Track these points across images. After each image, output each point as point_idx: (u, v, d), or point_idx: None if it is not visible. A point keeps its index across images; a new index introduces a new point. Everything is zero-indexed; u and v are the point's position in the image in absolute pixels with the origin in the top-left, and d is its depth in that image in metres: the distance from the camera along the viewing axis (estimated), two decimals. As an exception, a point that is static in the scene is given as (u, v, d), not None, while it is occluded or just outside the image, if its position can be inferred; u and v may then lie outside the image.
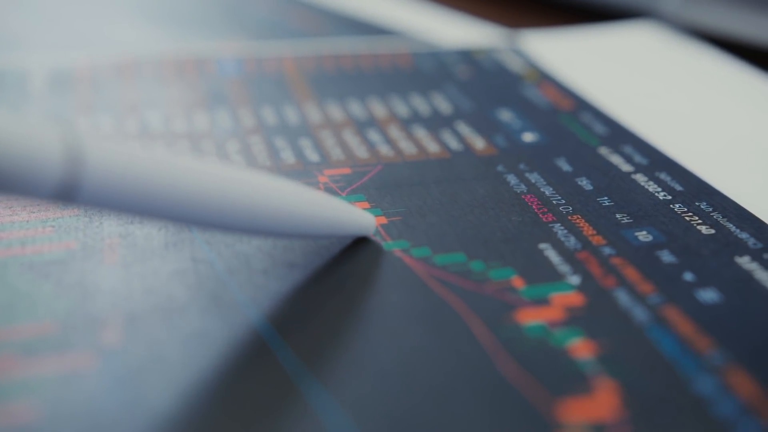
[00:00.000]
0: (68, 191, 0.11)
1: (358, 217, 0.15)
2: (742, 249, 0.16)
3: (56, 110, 0.21)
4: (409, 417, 0.12)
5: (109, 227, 0.16)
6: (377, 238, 0.16)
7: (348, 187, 0.18)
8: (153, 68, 0.24)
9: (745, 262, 0.15)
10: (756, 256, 0.16)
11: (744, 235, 0.16)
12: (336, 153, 0.20)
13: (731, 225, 0.17)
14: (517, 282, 0.15)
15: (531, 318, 0.14)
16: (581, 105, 0.23)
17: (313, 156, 0.19)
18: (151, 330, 0.13)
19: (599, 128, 0.21)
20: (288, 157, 0.19)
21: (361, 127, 0.21)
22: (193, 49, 0.27)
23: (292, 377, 0.12)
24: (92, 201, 0.12)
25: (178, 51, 0.26)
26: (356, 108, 0.22)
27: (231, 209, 0.13)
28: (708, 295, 0.14)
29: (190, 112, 0.22)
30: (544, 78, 0.25)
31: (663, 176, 0.19)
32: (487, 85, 0.24)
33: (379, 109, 0.22)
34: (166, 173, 0.12)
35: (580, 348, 0.13)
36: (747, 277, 0.15)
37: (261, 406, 0.12)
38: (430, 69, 0.25)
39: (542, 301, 0.14)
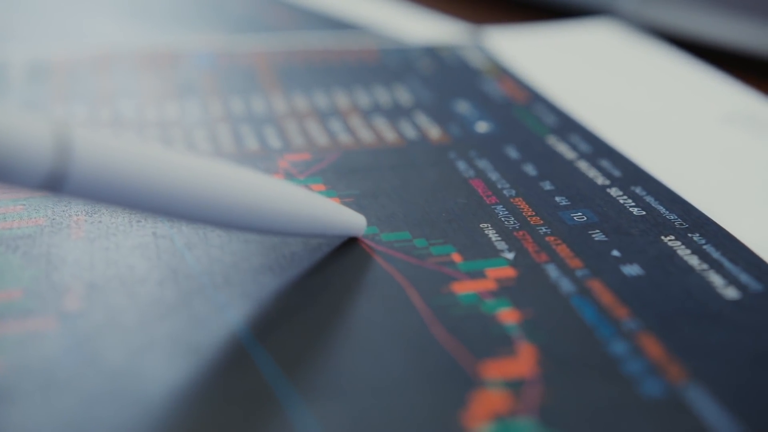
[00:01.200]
0: (55, 182, 0.12)
1: (348, 218, 0.16)
2: (669, 229, 0.17)
3: (33, 100, 0.22)
4: (347, 372, 0.13)
5: (77, 206, 0.17)
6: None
7: (306, 171, 0.19)
8: (128, 61, 0.25)
9: (670, 240, 0.16)
10: (681, 235, 0.17)
11: (672, 216, 0.17)
12: (297, 140, 0.21)
13: (662, 207, 0.18)
14: (456, 257, 0.16)
15: (465, 289, 0.15)
16: (535, 98, 0.24)
17: (275, 143, 0.21)
18: (111, 297, 0.14)
19: (550, 119, 0.22)
20: (251, 143, 0.20)
21: (324, 116, 0.22)
22: (168, 43, 0.28)
23: (243, 343, 0.13)
24: (78, 192, 0.12)
25: (153, 45, 0.27)
26: (321, 99, 0.23)
27: (221, 206, 0.13)
28: (631, 270, 0.15)
29: (161, 102, 0.23)
30: (503, 73, 0.26)
31: (604, 163, 0.20)
32: (448, 79, 0.25)
33: (342, 101, 0.23)
34: (154, 168, 0.13)
35: (507, 315, 0.14)
36: (670, 253, 0.16)
37: (210, 363, 0.13)
38: (395, 64, 0.26)
39: (477, 274, 0.15)
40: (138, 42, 0.28)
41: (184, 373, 0.13)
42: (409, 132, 0.21)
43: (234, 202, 0.14)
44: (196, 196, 0.13)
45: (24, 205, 0.17)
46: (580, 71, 0.27)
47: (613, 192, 0.18)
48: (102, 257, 0.16)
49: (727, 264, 0.16)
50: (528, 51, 0.28)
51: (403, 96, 0.24)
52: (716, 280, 0.15)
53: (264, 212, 0.14)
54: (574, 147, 0.21)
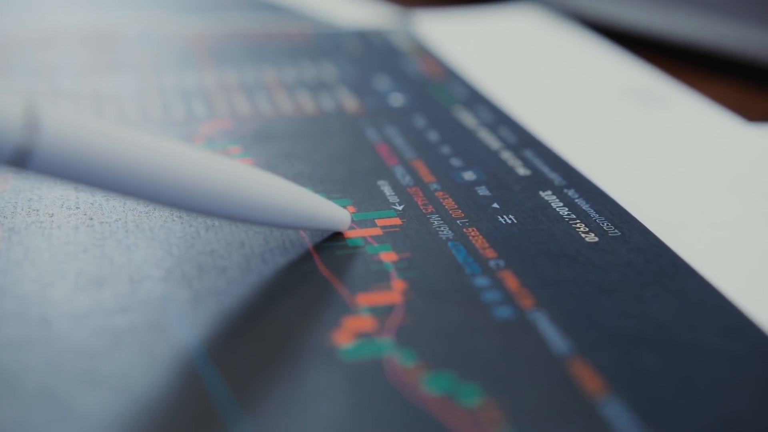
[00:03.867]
0: (21, 158, 0.12)
1: (333, 213, 0.16)
2: (548, 186, 0.19)
3: (-24, 73, 0.24)
4: (245, 311, 0.14)
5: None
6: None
7: (226, 136, 0.21)
8: (68, 38, 0.27)
9: (547, 195, 0.18)
10: (557, 191, 0.18)
11: (553, 176, 0.19)
12: (222, 110, 0.22)
13: (546, 168, 0.19)
14: (351, 209, 0.17)
15: (355, 234, 0.17)
16: (450, 75, 0.25)
17: (200, 112, 0.22)
18: (29, 240, 0.16)
19: (460, 93, 0.24)
20: (178, 113, 0.22)
21: (250, 90, 0.24)
22: (108, 21, 0.29)
23: (144, 274, 0.15)
24: (43, 169, 0.12)
25: (94, 23, 0.28)
26: (249, 74, 0.25)
27: (197, 192, 0.14)
28: (506, 219, 0.17)
29: (97, 76, 0.24)
30: (425, 53, 0.27)
31: (503, 131, 0.21)
32: (372, 59, 0.27)
33: (270, 76, 0.25)
34: (126, 149, 0.13)
35: (388, 255, 0.16)
36: (545, 205, 0.18)
37: (112, 295, 0.14)
38: (325, 45, 0.28)
39: (368, 223, 0.17)
40: (79, 20, 0.29)
41: (88, 302, 0.14)
42: (328, 104, 0.23)
43: (210, 189, 0.14)
44: (169, 181, 0.13)
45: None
46: (496, 51, 0.28)
47: (505, 155, 0.20)
48: (24, 207, 0.17)
49: (593, 214, 0.17)
50: (452, 33, 0.30)
51: (328, 73, 0.25)
52: (580, 227, 0.17)
53: (242, 201, 0.14)
54: (477, 117, 0.22)
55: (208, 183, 0.14)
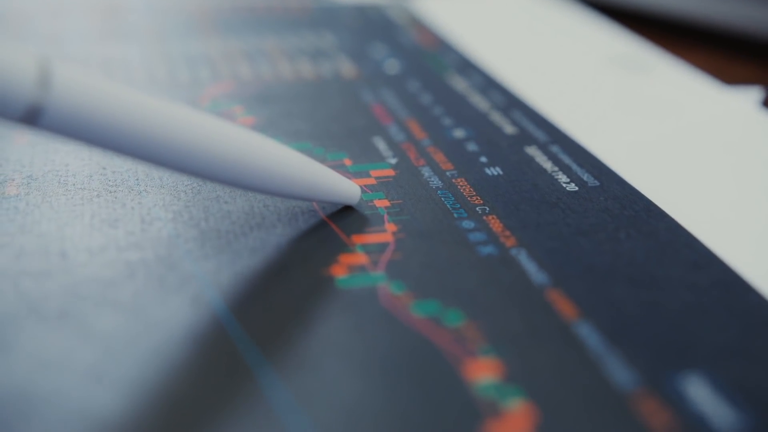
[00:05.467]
0: (32, 115, 0.12)
1: (345, 187, 0.16)
2: (533, 142, 0.20)
3: (-10, 40, 0.25)
4: (249, 249, 0.15)
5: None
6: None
7: (229, 98, 0.22)
8: (78, 8, 0.28)
9: (531, 150, 0.19)
10: (542, 147, 0.19)
11: (539, 134, 0.20)
12: (225, 74, 0.23)
13: (532, 126, 0.21)
14: (347, 161, 0.19)
15: (350, 184, 0.18)
16: (443, 46, 0.26)
17: (204, 76, 0.23)
18: (46, 186, 0.17)
19: (452, 61, 0.25)
20: (183, 76, 0.23)
21: (252, 57, 0.25)
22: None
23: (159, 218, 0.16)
24: (54, 127, 0.12)
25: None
26: (252, 43, 0.26)
27: (209, 158, 0.14)
28: (493, 171, 0.18)
29: (105, 44, 0.25)
30: (420, 25, 0.28)
31: (492, 94, 0.23)
32: (370, 30, 0.28)
33: (271, 44, 0.26)
34: (138, 111, 0.13)
35: (382, 202, 0.17)
36: (529, 159, 0.19)
37: (124, 234, 0.15)
38: (324, 18, 0.29)
39: (363, 174, 0.18)
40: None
41: (103, 239, 0.15)
42: (326, 70, 0.24)
43: (222, 155, 0.14)
44: (180, 145, 0.13)
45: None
46: (487, 23, 0.29)
47: (494, 115, 0.21)
48: (41, 157, 0.18)
49: (574, 167, 0.19)
50: (445, 7, 0.31)
51: (326, 42, 0.26)
52: (562, 178, 0.18)
53: (254, 170, 0.15)
54: (468, 81, 0.23)
55: (220, 149, 0.14)
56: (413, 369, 0.12)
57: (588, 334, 0.13)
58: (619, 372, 0.12)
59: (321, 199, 0.16)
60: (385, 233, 0.16)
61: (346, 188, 0.16)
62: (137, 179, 0.17)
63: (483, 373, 0.12)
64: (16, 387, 0.12)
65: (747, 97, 0.23)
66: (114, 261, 0.15)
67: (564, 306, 0.14)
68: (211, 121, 0.14)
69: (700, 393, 0.12)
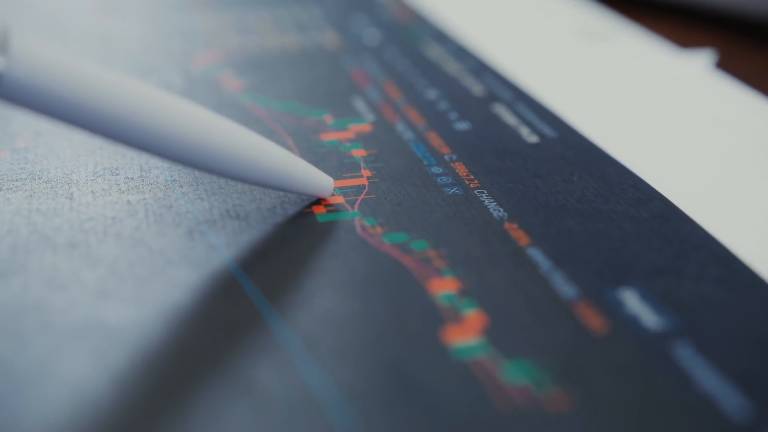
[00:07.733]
0: None
1: (316, 179, 0.16)
2: (500, 101, 0.21)
3: (-7, 15, 0.26)
4: (237, 189, 0.17)
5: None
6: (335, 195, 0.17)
7: (219, 64, 0.23)
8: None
9: (498, 108, 0.21)
10: (509, 105, 0.21)
11: (506, 94, 0.22)
12: (216, 44, 0.25)
13: (500, 87, 0.22)
14: (328, 118, 0.20)
15: (330, 137, 0.19)
16: (419, 19, 0.28)
17: (194, 46, 0.25)
18: (52, 140, 0.19)
19: (427, 32, 0.27)
20: (174, 47, 0.25)
21: (241, 28, 0.26)
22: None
23: (163, 179, 0.18)
24: (10, 96, 0.12)
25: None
26: (239, 15, 0.27)
27: (175, 140, 0.14)
28: (462, 125, 0.20)
29: (100, 19, 0.27)
30: (400, 3, 0.30)
31: (465, 59, 0.24)
32: (351, 4, 0.29)
33: (256, 16, 0.27)
34: (99, 87, 0.13)
35: (359, 152, 0.19)
36: (495, 116, 0.21)
37: (125, 180, 0.17)
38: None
39: (342, 129, 0.20)
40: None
41: (106, 184, 0.17)
42: (309, 40, 0.26)
43: (186, 137, 0.14)
44: (145, 126, 0.13)
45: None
46: (477, 3, 0.31)
47: (464, 78, 0.23)
48: (46, 116, 0.20)
49: (537, 122, 0.20)
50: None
51: (313, 19, 0.28)
52: (525, 131, 0.20)
53: (222, 154, 0.15)
54: (442, 49, 0.25)
55: (186, 130, 0.14)
56: (385, 284, 0.14)
57: (538, 256, 0.15)
58: (563, 286, 0.14)
59: (294, 189, 0.16)
60: (361, 178, 0.18)
61: (319, 180, 0.16)
62: (135, 134, 0.19)
63: (444, 288, 0.14)
64: (32, 302, 0.13)
65: (700, 59, 0.25)
66: (116, 201, 0.16)
67: (518, 235, 0.16)
68: (182, 103, 0.14)
69: (631, 303, 0.14)
